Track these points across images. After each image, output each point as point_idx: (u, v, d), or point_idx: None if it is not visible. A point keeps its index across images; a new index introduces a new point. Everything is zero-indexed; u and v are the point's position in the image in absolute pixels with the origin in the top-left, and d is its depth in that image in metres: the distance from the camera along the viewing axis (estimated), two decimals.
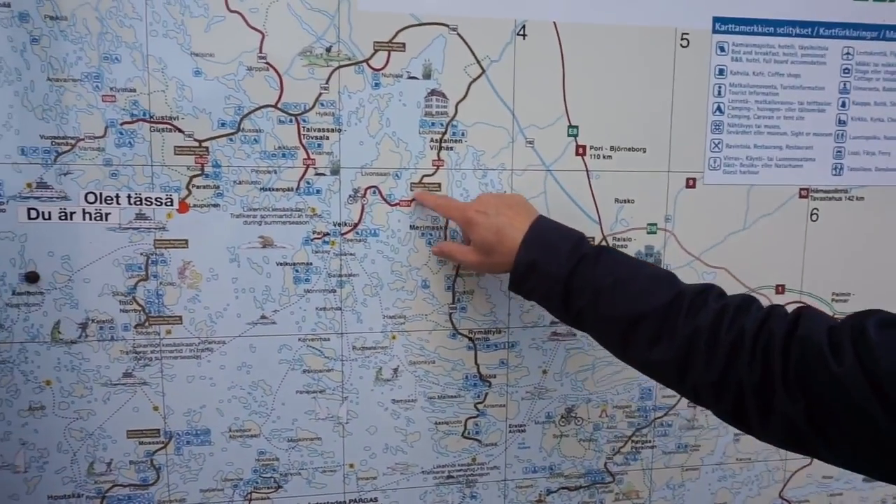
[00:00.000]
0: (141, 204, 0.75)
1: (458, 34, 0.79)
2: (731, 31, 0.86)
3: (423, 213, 0.81)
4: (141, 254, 0.76)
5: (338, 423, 0.82)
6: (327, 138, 0.78)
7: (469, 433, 0.86)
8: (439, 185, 0.81)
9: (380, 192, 0.80)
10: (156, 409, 0.78)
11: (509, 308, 0.85)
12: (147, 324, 0.77)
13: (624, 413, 0.90)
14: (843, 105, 0.90)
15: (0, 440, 0.76)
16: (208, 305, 0.78)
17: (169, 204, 0.76)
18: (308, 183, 0.78)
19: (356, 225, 0.80)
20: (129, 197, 0.75)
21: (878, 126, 0.91)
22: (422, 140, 0.80)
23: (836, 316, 0.75)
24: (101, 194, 0.74)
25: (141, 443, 0.79)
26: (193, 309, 0.78)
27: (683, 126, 0.86)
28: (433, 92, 0.79)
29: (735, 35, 0.86)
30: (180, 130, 0.75)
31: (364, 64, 0.78)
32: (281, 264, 0.79)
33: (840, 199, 0.91)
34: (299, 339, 0.80)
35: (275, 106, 0.76)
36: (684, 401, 0.91)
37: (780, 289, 0.91)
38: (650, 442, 0.91)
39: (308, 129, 0.77)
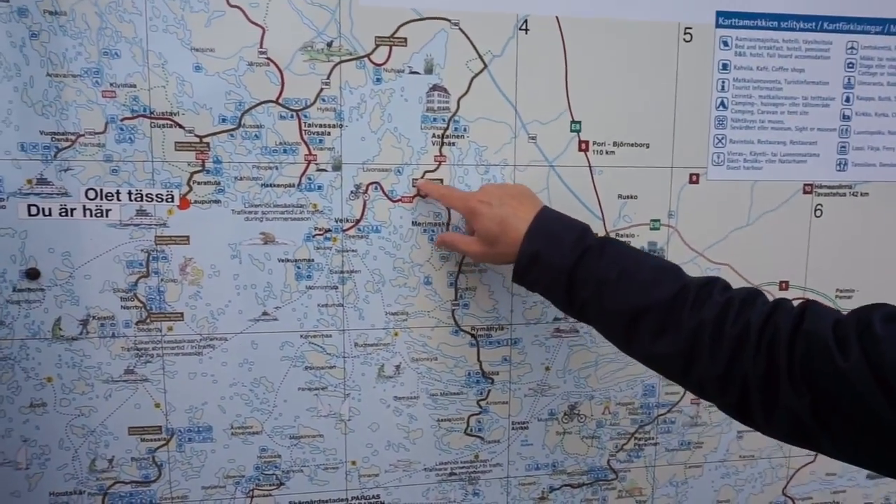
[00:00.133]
0: (142, 200, 0.75)
1: (460, 29, 0.79)
2: (734, 26, 0.85)
3: (426, 209, 0.81)
4: (142, 250, 0.75)
5: (340, 419, 0.82)
6: (329, 134, 0.77)
7: (471, 430, 0.86)
8: (441, 180, 0.80)
9: (382, 189, 0.79)
10: (157, 405, 0.78)
11: (512, 304, 0.85)
12: (148, 320, 0.77)
13: (627, 410, 0.90)
14: (848, 100, 0.89)
15: (1, 437, 0.76)
16: (210, 302, 0.77)
17: (170, 200, 0.75)
18: (309, 179, 0.78)
19: (358, 221, 0.79)
20: (129, 193, 0.74)
21: (883, 121, 0.90)
22: (424, 136, 0.79)
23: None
24: (101, 190, 0.74)
25: (143, 440, 0.78)
26: (195, 305, 0.77)
27: (687, 121, 0.86)
28: (435, 87, 0.79)
29: (738, 29, 0.85)
30: (181, 126, 0.74)
31: (365, 59, 0.77)
32: (282, 261, 0.78)
33: (844, 194, 0.91)
34: (301, 336, 0.80)
35: (276, 101, 0.76)
36: (687, 398, 0.91)
37: (783, 285, 0.91)
38: (653, 439, 0.91)
39: (309, 125, 0.77)
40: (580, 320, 0.70)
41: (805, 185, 0.90)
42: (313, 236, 0.79)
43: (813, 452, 0.95)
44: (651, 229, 0.86)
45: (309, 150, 0.77)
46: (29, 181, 0.72)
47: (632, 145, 0.85)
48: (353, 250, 0.80)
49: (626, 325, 0.64)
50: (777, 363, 0.55)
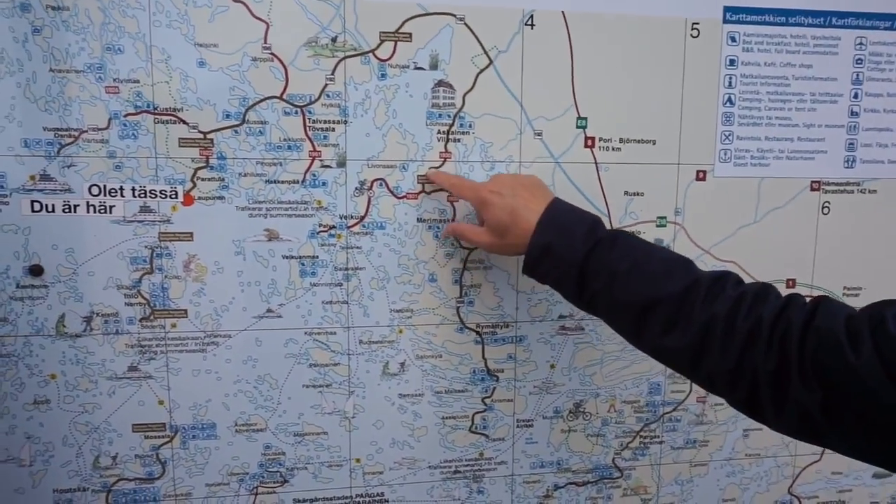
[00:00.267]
0: (145, 196, 0.74)
1: (466, 24, 0.78)
2: (742, 21, 0.85)
3: (431, 205, 0.80)
4: (146, 247, 0.75)
5: (344, 417, 0.82)
6: (333, 130, 0.77)
7: (476, 428, 0.86)
8: None
9: (386, 185, 0.79)
10: (161, 403, 0.78)
11: (517, 302, 0.84)
12: (152, 317, 0.76)
13: (632, 408, 0.89)
14: (856, 96, 0.88)
15: (5, 434, 0.75)
16: (214, 299, 0.77)
17: (174, 196, 0.75)
18: (314, 175, 0.77)
19: (363, 218, 0.79)
20: (133, 189, 0.74)
21: (892, 118, 0.89)
22: (429, 132, 0.79)
23: None
24: (104, 187, 0.73)
25: (146, 437, 0.78)
26: (199, 302, 0.77)
27: (693, 118, 0.85)
28: (440, 83, 0.78)
29: (746, 25, 0.85)
30: (185, 122, 0.74)
31: (370, 54, 0.76)
32: (287, 257, 0.78)
33: (852, 191, 0.90)
34: (305, 333, 0.79)
35: (280, 97, 0.75)
36: (693, 396, 0.90)
37: (790, 283, 0.90)
38: (658, 437, 0.91)
39: (314, 121, 0.76)
40: (589, 312, 0.69)
41: (813, 182, 0.89)
42: (318, 233, 0.78)
43: (819, 451, 0.95)
44: (657, 226, 0.86)
45: (313, 146, 0.77)
46: (32, 177, 0.72)
47: (638, 142, 0.84)
48: (357, 247, 0.79)
49: (636, 318, 0.63)
50: (788, 358, 0.54)
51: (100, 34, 0.71)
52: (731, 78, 0.85)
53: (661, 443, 0.91)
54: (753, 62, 0.86)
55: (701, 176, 0.86)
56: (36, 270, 0.73)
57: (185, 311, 0.77)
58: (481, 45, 0.79)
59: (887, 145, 0.90)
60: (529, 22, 0.79)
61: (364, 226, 0.79)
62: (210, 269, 0.77)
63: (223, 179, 0.75)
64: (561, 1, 0.80)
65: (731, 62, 0.85)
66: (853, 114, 0.89)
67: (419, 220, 0.80)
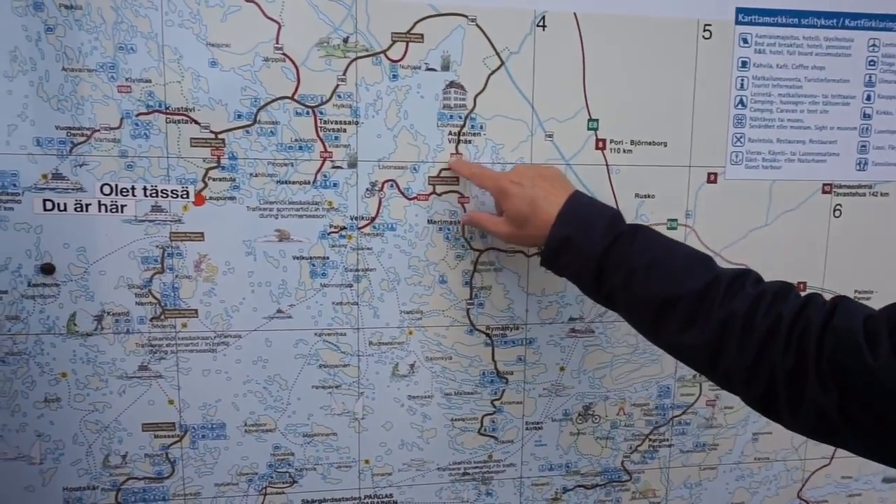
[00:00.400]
0: (157, 196, 0.74)
1: (477, 25, 0.78)
2: (754, 23, 0.84)
3: (441, 207, 0.80)
4: (157, 246, 0.75)
5: (353, 418, 0.82)
6: (344, 131, 0.77)
7: (485, 430, 0.86)
8: (457, 178, 0.80)
9: (397, 186, 0.79)
10: (171, 402, 0.78)
11: (527, 304, 0.84)
12: (163, 317, 0.76)
13: (642, 411, 0.89)
14: (869, 98, 0.88)
15: (16, 432, 0.76)
16: (224, 299, 0.77)
17: (185, 196, 0.75)
18: (325, 176, 0.77)
19: (373, 219, 0.79)
20: (144, 189, 0.74)
21: None
22: (440, 133, 0.79)
23: None
24: (116, 186, 0.74)
25: (156, 436, 0.78)
26: (209, 302, 0.77)
27: (705, 120, 0.85)
28: (451, 84, 0.78)
29: (758, 26, 0.84)
30: (196, 122, 0.74)
31: (382, 55, 0.76)
32: (297, 258, 0.78)
33: (864, 194, 0.90)
34: (315, 334, 0.79)
35: (291, 97, 0.75)
36: (702, 400, 0.90)
37: (801, 286, 0.90)
38: (668, 440, 0.90)
39: (325, 122, 0.76)
40: (607, 307, 0.69)
41: (824, 184, 0.88)
42: (328, 234, 0.78)
43: (828, 455, 0.94)
44: (668, 229, 0.85)
45: (324, 146, 0.77)
46: (44, 176, 0.72)
47: (649, 144, 0.84)
48: (368, 248, 0.79)
49: (654, 314, 0.63)
50: (806, 358, 0.54)
51: (112, 33, 0.71)
52: (742, 80, 0.85)
53: (670, 446, 0.91)
54: (765, 64, 0.85)
55: (712, 178, 0.86)
56: (47, 269, 0.73)
57: (196, 310, 0.77)
58: (493, 46, 0.78)
59: None
60: (541, 23, 0.79)
61: (375, 227, 0.79)
62: (221, 270, 0.77)
63: (234, 180, 0.75)
64: (573, 2, 0.79)
65: (744, 64, 0.85)
66: (865, 116, 0.88)
67: (430, 221, 0.80)
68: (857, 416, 0.52)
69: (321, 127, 0.76)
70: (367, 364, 0.81)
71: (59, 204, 0.73)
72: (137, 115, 0.73)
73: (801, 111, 0.87)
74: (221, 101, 0.74)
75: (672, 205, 0.85)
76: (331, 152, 0.77)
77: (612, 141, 0.83)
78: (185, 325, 0.77)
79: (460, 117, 0.79)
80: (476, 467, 0.86)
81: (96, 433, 0.77)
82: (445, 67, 0.78)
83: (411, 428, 0.84)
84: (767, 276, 0.87)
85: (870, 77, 0.87)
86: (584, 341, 0.86)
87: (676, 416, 0.90)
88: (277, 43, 0.74)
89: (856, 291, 0.91)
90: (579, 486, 0.89)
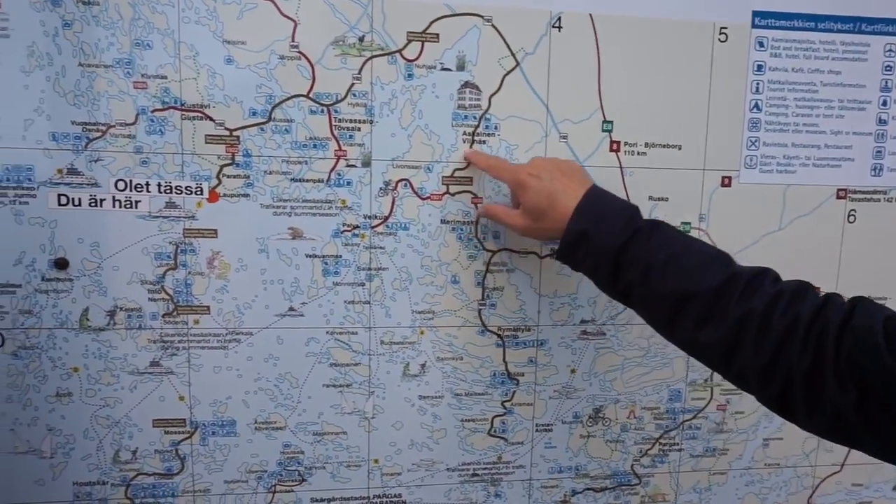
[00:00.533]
0: (171, 192, 0.74)
1: (493, 25, 0.78)
2: (770, 26, 0.84)
3: (455, 207, 0.80)
4: (170, 243, 0.75)
5: (364, 417, 0.82)
6: (359, 129, 0.77)
7: (495, 431, 0.85)
8: (471, 178, 0.80)
9: (411, 186, 0.79)
10: (182, 398, 0.78)
11: (539, 305, 0.84)
12: (175, 313, 0.76)
13: (652, 415, 0.89)
14: (885, 104, 0.87)
15: (27, 425, 0.76)
16: (236, 296, 0.77)
17: (199, 193, 0.75)
18: (339, 174, 0.77)
19: (386, 218, 0.79)
20: (159, 185, 0.74)
21: None
22: (454, 133, 0.79)
23: None
24: (131, 182, 0.74)
25: (166, 432, 0.78)
26: (221, 299, 0.77)
27: (720, 123, 0.84)
28: (466, 84, 0.78)
29: (775, 30, 0.84)
30: (211, 119, 0.74)
31: (397, 54, 0.76)
32: (310, 256, 0.78)
33: (879, 200, 0.89)
34: (327, 333, 0.79)
35: (306, 96, 0.75)
36: (713, 404, 0.90)
37: None
38: (678, 445, 0.90)
39: (340, 120, 0.76)
40: (622, 302, 0.68)
41: (839, 189, 0.88)
42: (341, 232, 0.78)
43: (839, 462, 0.94)
44: None
45: (339, 145, 0.77)
46: (59, 171, 0.72)
47: (664, 146, 0.83)
48: (380, 247, 0.79)
49: (671, 310, 0.62)
50: (824, 358, 0.53)
51: (129, 29, 0.71)
52: (758, 83, 0.85)
53: (680, 450, 0.90)
54: (781, 68, 0.85)
55: (726, 182, 0.85)
56: (61, 264, 0.74)
57: (208, 307, 0.77)
58: (508, 46, 0.78)
59: None
60: (557, 24, 0.79)
61: (388, 226, 0.79)
62: (233, 267, 0.77)
63: (248, 177, 0.75)
64: (589, 3, 0.79)
65: (759, 67, 0.84)
66: (881, 121, 0.88)
67: (443, 221, 0.80)
68: (875, 417, 0.51)
69: (336, 125, 0.76)
70: (377, 363, 0.81)
71: (73, 199, 0.73)
72: (153, 111, 0.73)
73: (817, 115, 0.86)
74: (237, 99, 0.74)
75: (686, 208, 0.85)
76: (345, 151, 0.77)
77: (626, 143, 0.83)
78: (197, 322, 0.77)
79: (475, 117, 0.79)
80: (485, 468, 0.86)
81: (107, 428, 0.77)
82: (460, 67, 0.78)
83: (421, 428, 0.83)
84: None
85: (886, 82, 0.87)
86: (596, 343, 0.86)
87: (687, 421, 0.90)
88: (293, 41, 0.74)
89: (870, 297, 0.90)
90: (588, 489, 0.89)
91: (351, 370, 0.81)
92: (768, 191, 0.87)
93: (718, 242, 0.86)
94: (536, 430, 0.86)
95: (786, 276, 0.86)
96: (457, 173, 0.79)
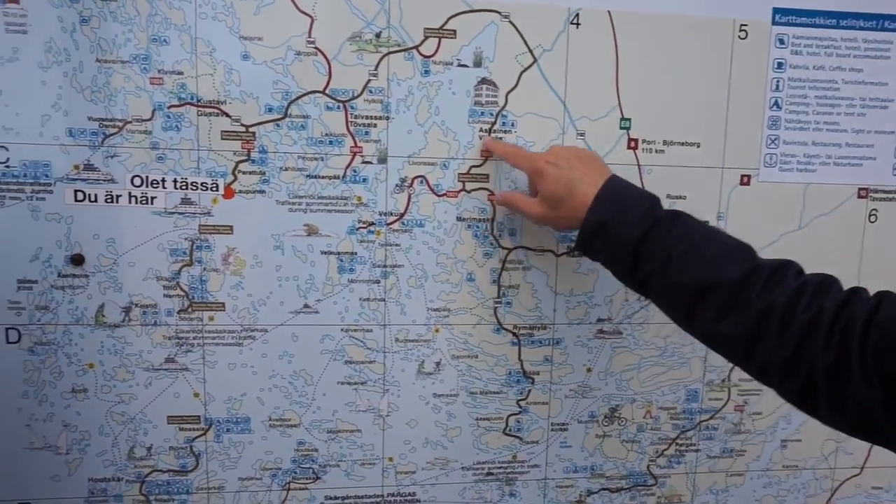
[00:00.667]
0: (187, 188, 0.74)
1: (510, 22, 0.77)
2: (791, 23, 0.83)
3: (471, 204, 0.79)
4: (185, 239, 0.75)
5: (378, 415, 0.81)
6: (375, 126, 0.76)
7: (510, 430, 0.85)
8: (487, 175, 0.79)
9: (427, 182, 0.78)
10: (196, 395, 0.78)
11: (555, 304, 0.83)
12: (190, 309, 0.76)
13: (669, 415, 0.88)
14: None
15: (43, 421, 0.76)
16: (251, 293, 0.77)
17: (214, 189, 0.75)
18: (355, 171, 0.77)
19: (402, 215, 0.78)
20: (175, 181, 0.74)
21: None
22: (471, 130, 0.78)
23: None
24: (147, 178, 0.74)
25: (181, 429, 0.78)
26: (236, 296, 0.77)
27: (739, 121, 0.83)
28: (483, 80, 0.78)
29: (795, 27, 0.83)
30: (227, 115, 0.74)
31: (414, 50, 0.76)
32: (325, 253, 0.77)
33: None
34: (342, 330, 0.79)
35: (323, 92, 0.75)
36: (731, 405, 0.89)
37: None
38: (695, 445, 0.89)
39: (356, 116, 0.76)
40: (640, 293, 0.68)
41: (860, 189, 0.87)
42: (357, 229, 0.78)
43: (859, 465, 0.93)
44: None
45: (355, 141, 0.76)
46: (76, 167, 0.72)
47: (682, 144, 0.83)
48: (396, 244, 0.78)
49: (690, 301, 0.61)
50: (849, 353, 0.52)
51: (146, 25, 0.71)
52: (778, 81, 0.84)
53: (697, 451, 0.89)
54: (802, 65, 0.84)
55: (745, 180, 0.84)
56: (77, 260, 0.74)
57: (223, 304, 0.77)
58: (526, 43, 0.78)
59: None
60: (575, 21, 0.78)
61: (403, 223, 0.78)
62: (249, 263, 0.76)
63: (264, 173, 0.75)
64: (607, 0, 0.78)
65: (779, 65, 0.83)
66: None
67: (459, 218, 0.79)
68: None
69: (352, 122, 0.76)
70: (392, 361, 0.81)
71: (90, 195, 0.73)
72: (169, 107, 0.73)
73: (838, 114, 0.85)
74: (253, 95, 0.74)
75: (704, 206, 0.84)
76: (361, 147, 0.76)
77: (644, 141, 0.82)
78: (212, 319, 0.77)
79: (491, 114, 0.78)
80: (500, 467, 0.85)
81: (122, 425, 0.77)
82: (478, 64, 0.77)
83: (436, 426, 0.83)
84: None
85: None
86: (612, 343, 0.85)
87: (704, 421, 0.89)
88: (310, 37, 0.74)
89: None
90: (604, 489, 0.88)
91: (365, 368, 0.80)
92: (788, 189, 0.85)
93: None
94: (552, 430, 0.86)
95: None
96: (473, 170, 0.79)
